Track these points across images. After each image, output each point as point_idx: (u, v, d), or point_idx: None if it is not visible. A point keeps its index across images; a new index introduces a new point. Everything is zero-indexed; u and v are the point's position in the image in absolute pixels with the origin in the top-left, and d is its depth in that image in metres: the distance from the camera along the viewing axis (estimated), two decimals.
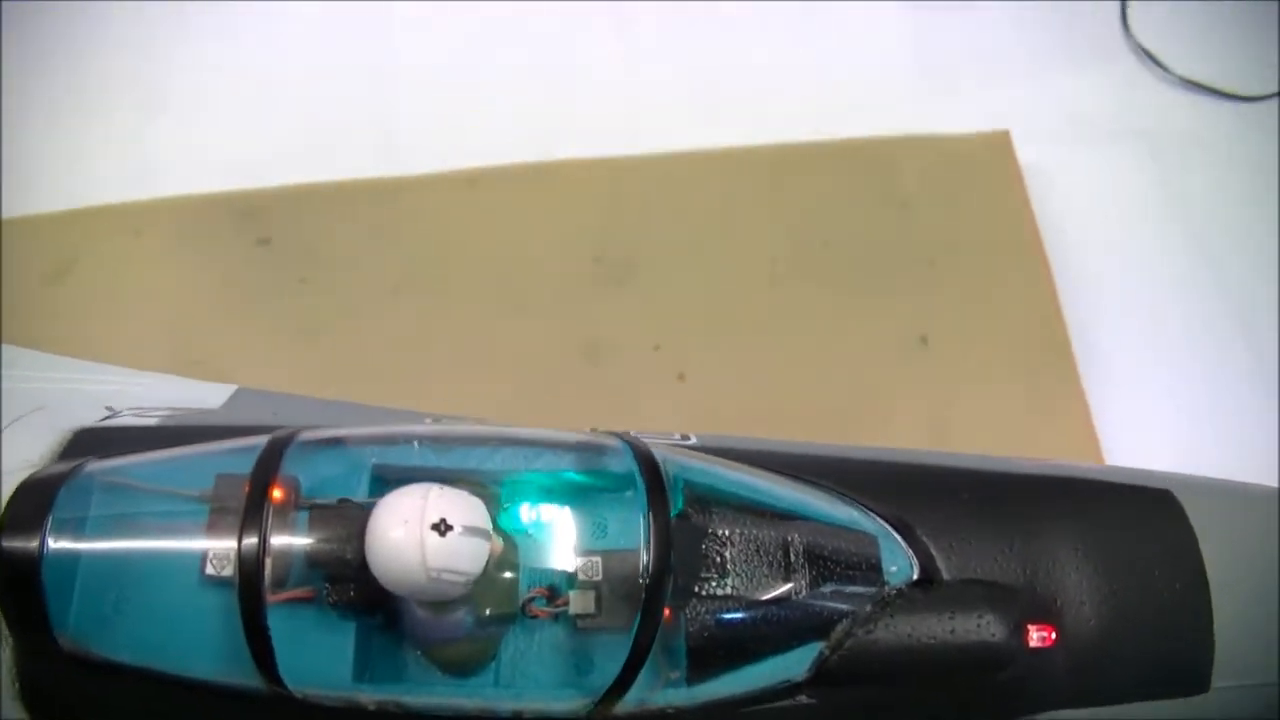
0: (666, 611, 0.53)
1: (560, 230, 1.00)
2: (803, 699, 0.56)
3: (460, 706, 0.54)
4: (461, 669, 0.54)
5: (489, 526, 0.52)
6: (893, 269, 1.00)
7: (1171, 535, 0.62)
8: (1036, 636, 0.57)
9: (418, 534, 0.50)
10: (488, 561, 0.52)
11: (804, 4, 1.12)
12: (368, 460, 0.57)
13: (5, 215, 0.96)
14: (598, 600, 0.54)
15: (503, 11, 1.10)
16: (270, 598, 0.50)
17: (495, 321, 0.94)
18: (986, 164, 1.04)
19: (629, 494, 0.55)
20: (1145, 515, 0.63)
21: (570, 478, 0.58)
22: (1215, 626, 0.60)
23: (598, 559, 0.55)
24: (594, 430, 0.60)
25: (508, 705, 0.54)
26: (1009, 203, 1.03)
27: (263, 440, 0.55)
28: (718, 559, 0.56)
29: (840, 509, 0.60)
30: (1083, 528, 0.62)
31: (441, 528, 0.50)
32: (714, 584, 0.56)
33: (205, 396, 0.72)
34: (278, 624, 0.51)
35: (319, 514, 0.54)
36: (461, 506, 0.51)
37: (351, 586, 0.53)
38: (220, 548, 0.53)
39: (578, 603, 0.54)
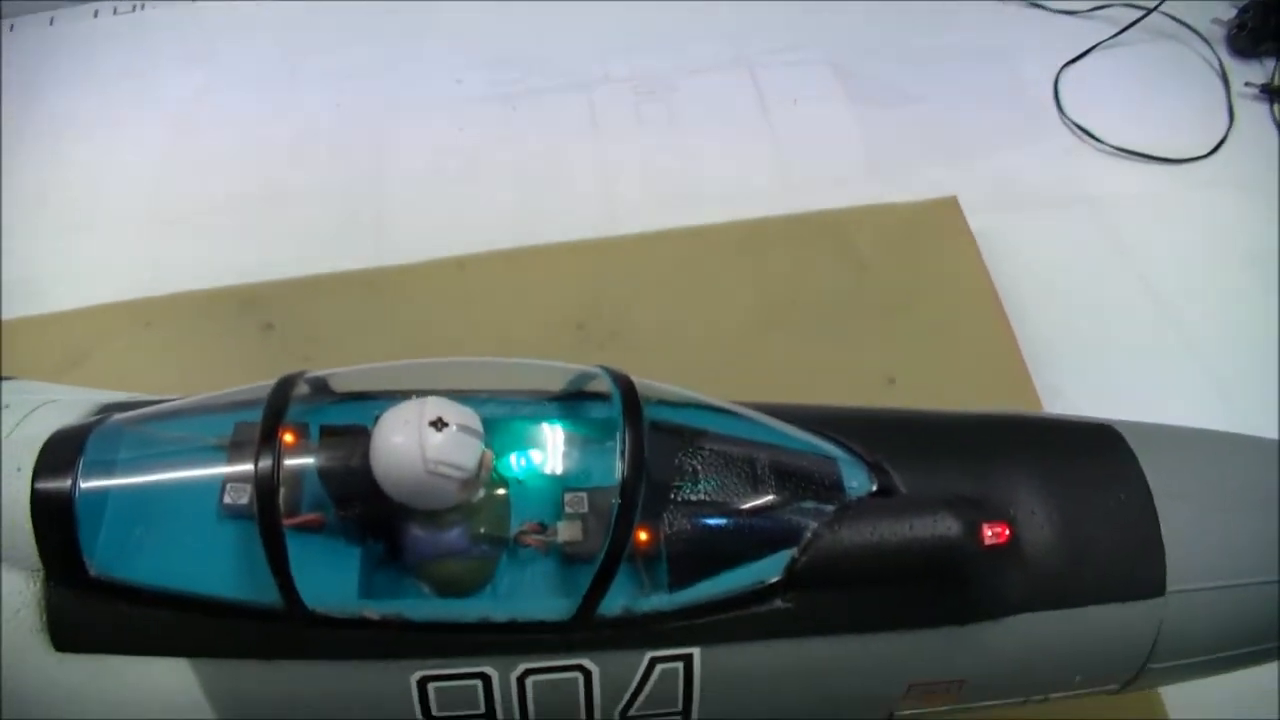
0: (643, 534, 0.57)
1: (545, 303, 1.07)
2: (779, 603, 0.59)
3: (457, 618, 0.57)
4: (457, 587, 0.58)
5: (480, 428, 0.56)
6: (857, 321, 1.06)
7: (1114, 457, 0.66)
8: (990, 534, 0.60)
9: (416, 432, 0.55)
10: (479, 466, 0.56)
11: (761, 106, 1.22)
12: (369, 389, 0.62)
13: (21, 314, 1.03)
14: (584, 529, 0.59)
15: (484, 114, 1.20)
16: (286, 521, 0.55)
17: None
18: (937, 225, 1.12)
19: (612, 431, 0.59)
20: (1089, 443, 0.67)
21: (557, 415, 0.63)
22: (1163, 534, 0.62)
23: (583, 494, 0.60)
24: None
25: (499, 615, 0.57)
26: (961, 257, 1.10)
27: (272, 381, 0.59)
28: (690, 469, 0.60)
29: (801, 436, 0.63)
30: (1032, 454, 0.66)
31: (438, 424, 0.55)
32: (687, 491, 0.59)
33: None
34: (294, 546, 0.55)
35: (327, 437, 0.59)
36: (455, 410, 0.56)
37: (358, 505, 0.58)
38: (238, 478, 0.58)
39: (566, 531, 0.59)
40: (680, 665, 0.58)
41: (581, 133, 1.20)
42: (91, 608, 0.56)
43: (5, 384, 0.72)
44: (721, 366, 1.04)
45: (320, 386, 0.60)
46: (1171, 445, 0.67)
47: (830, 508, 0.59)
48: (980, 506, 0.60)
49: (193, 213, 1.11)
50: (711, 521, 0.60)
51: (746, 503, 0.60)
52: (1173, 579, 0.62)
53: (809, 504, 0.60)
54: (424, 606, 0.57)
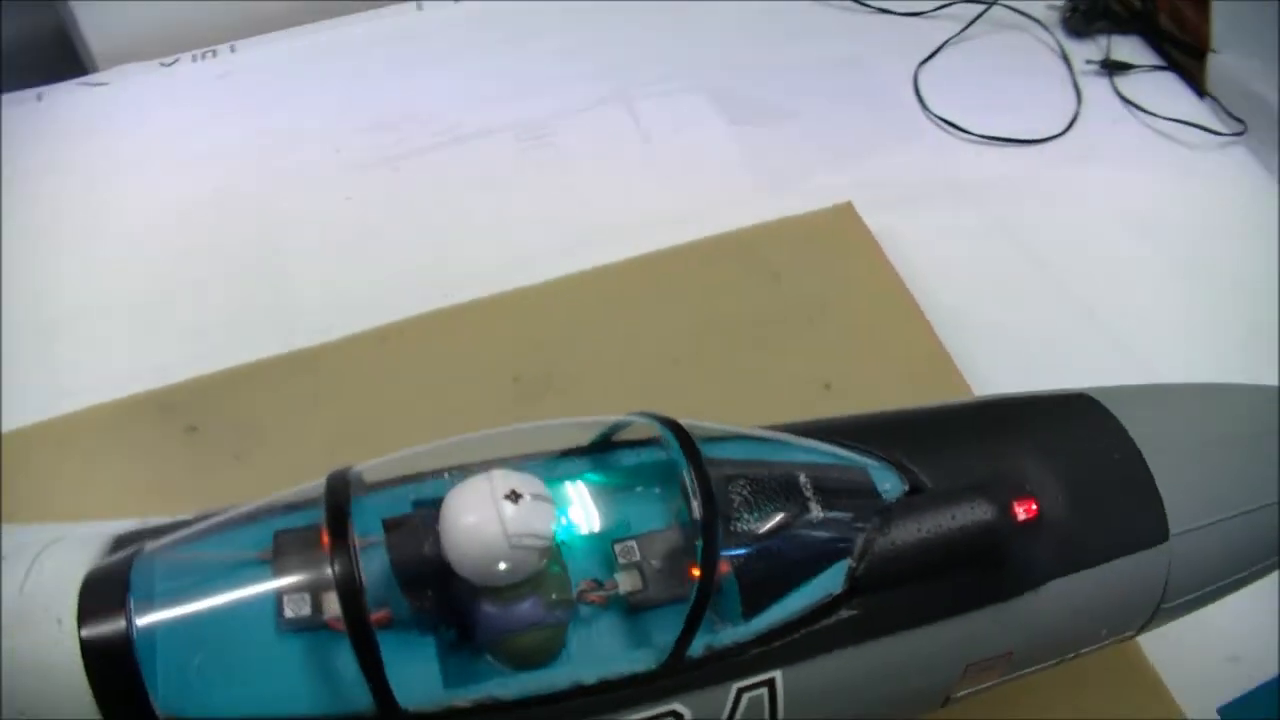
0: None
1: (475, 362, 1.06)
2: (845, 613, 0.61)
3: (548, 688, 0.56)
4: (536, 658, 0.57)
5: (549, 493, 0.56)
6: (782, 333, 1.09)
7: (1098, 421, 0.71)
8: (1021, 511, 0.64)
9: (493, 508, 0.54)
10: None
11: (644, 139, 1.24)
12: (421, 474, 0.61)
13: None
14: (643, 577, 0.59)
15: (369, 180, 1.19)
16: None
17: None
18: (838, 230, 1.16)
19: (650, 475, 0.62)
20: (1072, 412, 0.72)
21: (592, 470, 0.64)
22: (1158, 483, 0.68)
23: (632, 543, 0.61)
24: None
25: (588, 677, 0.57)
26: (866, 258, 1.15)
27: (320, 482, 0.57)
28: (744, 499, 0.61)
29: (827, 449, 0.66)
30: (1026, 431, 0.70)
31: (513, 496, 0.54)
32: (746, 521, 0.60)
33: None
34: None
35: (392, 529, 0.57)
36: (523, 479, 0.56)
37: (432, 593, 0.56)
38: (294, 589, 0.56)
39: (626, 582, 0.60)
40: (765, 691, 0.60)
41: (471, 187, 1.19)
42: None
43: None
44: (661, 395, 1.04)
45: (359, 481, 0.58)
46: (1142, 402, 0.72)
47: (874, 513, 0.62)
48: (1006, 487, 0.62)
49: (83, 320, 1.06)
50: (773, 546, 0.61)
51: (800, 522, 0.62)
52: (1173, 523, 0.67)
53: (855, 513, 0.62)
54: (512, 684, 0.56)
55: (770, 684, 0.59)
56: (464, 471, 0.60)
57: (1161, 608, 0.69)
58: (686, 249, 1.14)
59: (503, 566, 0.54)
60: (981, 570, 0.63)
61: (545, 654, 0.57)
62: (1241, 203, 1.21)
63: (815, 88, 1.28)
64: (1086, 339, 1.09)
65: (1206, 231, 1.18)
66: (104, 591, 0.54)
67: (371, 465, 0.59)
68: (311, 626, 0.55)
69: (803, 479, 0.62)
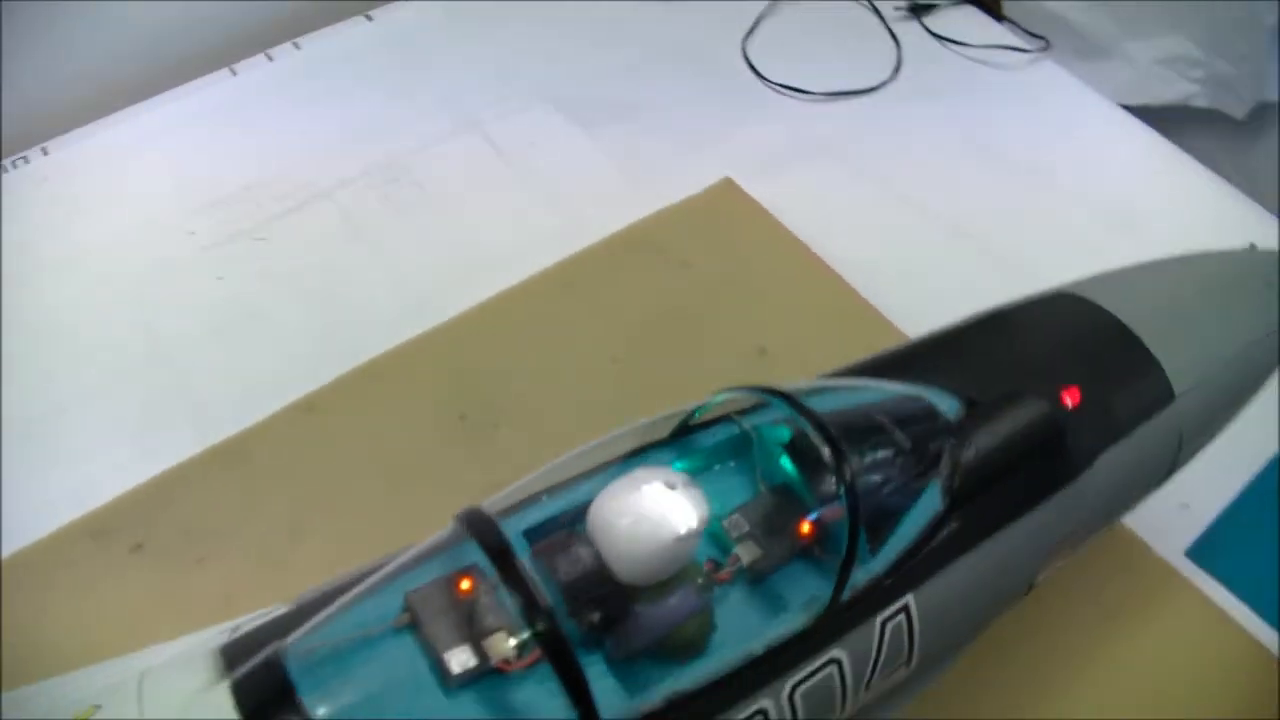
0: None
1: (414, 410, 1.03)
2: (953, 525, 0.64)
3: (725, 669, 0.56)
4: (696, 645, 0.57)
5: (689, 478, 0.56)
6: (706, 311, 1.11)
7: (1085, 310, 0.78)
8: (1068, 399, 0.70)
9: (652, 504, 0.54)
10: None
11: (503, 160, 1.23)
12: (552, 495, 0.61)
13: None
14: (758, 545, 0.61)
15: (235, 255, 1.14)
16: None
17: (394, 515, 0.90)
18: (727, 206, 1.19)
19: (735, 448, 0.64)
20: (1060, 308, 0.79)
21: (684, 455, 0.65)
22: (1153, 352, 0.75)
23: (737, 515, 0.62)
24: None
25: (757, 646, 0.57)
26: (761, 227, 1.19)
27: (447, 529, 0.55)
28: (847, 444, 0.62)
29: (885, 386, 0.69)
30: (1031, 332, 0.77)
31: (671, 486, 0.55)
32: (855, 464, 0.62)
33: None
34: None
35: (546, 552, 0.57)
36: (663, 471, 0.56)
37: (596, 606, 0.55)
38: (454, 642, 0.54)
39: (746, 554, 0.61)
40: (902, 617, 0.62)
41: (346, 239, 1.15)
42: None
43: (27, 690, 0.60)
44: (610, 394, 1.06)
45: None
46: (1115, 285, 0.79)
47: (949, 432, 0.66)
48: (1050, 381, 0.68)
49: None
50: (881, 480, 0.63)
51: (895, 454, 0.64)
52: (1175, 383, 0.75)
53: (934, 435, 0.66)
54: (689, 675, 0.56)
55: (906, 609, 0.62)
56: (563, 491, 0.61)
57: (1179, 457, 0.75)
58: (587, 254, 1.14)
59: (668, 560, 0.54)
60: (1048, 459, 0.67)
61: (703, 639, 0.58)
62: (1061, 110, 1.31)
63: (653, 79, 1.30)
64: (978, 263, 1.16)
65: (1040, 142, 1.27)
66: (267, 696, 0.50)
67: (496, 499, 0.58)
68: (480, 675, 0.53)
69: (880, 415, 0.64)
